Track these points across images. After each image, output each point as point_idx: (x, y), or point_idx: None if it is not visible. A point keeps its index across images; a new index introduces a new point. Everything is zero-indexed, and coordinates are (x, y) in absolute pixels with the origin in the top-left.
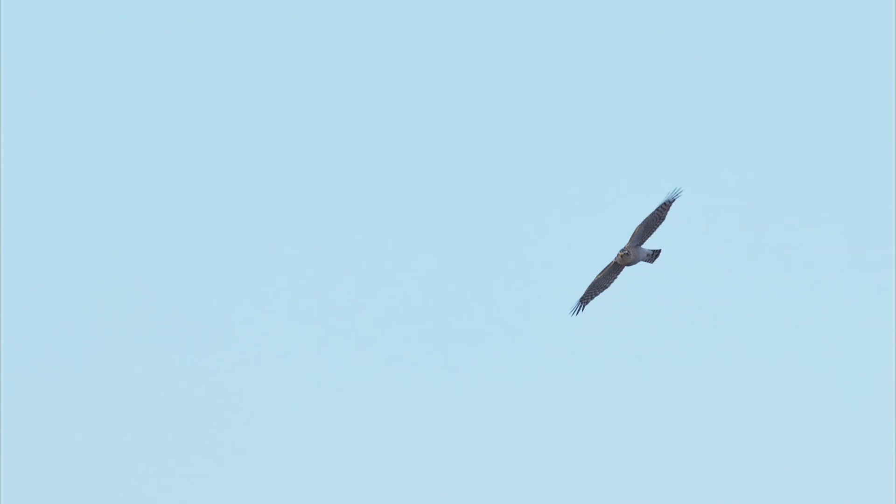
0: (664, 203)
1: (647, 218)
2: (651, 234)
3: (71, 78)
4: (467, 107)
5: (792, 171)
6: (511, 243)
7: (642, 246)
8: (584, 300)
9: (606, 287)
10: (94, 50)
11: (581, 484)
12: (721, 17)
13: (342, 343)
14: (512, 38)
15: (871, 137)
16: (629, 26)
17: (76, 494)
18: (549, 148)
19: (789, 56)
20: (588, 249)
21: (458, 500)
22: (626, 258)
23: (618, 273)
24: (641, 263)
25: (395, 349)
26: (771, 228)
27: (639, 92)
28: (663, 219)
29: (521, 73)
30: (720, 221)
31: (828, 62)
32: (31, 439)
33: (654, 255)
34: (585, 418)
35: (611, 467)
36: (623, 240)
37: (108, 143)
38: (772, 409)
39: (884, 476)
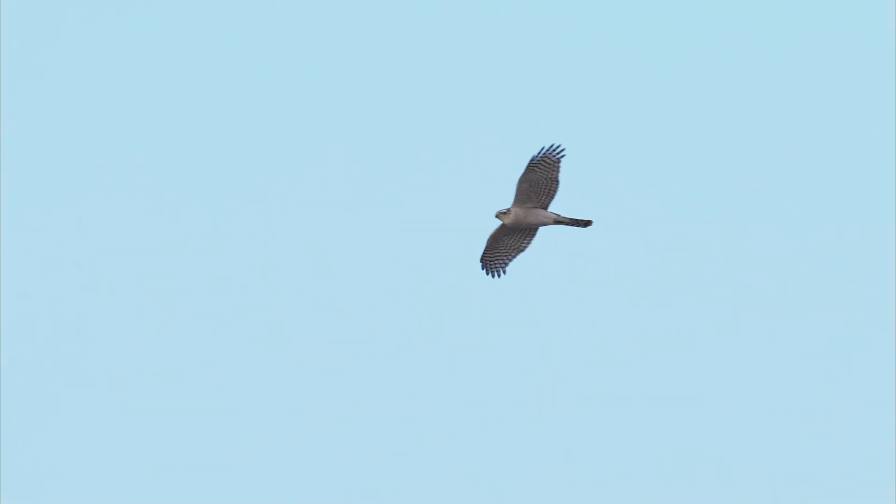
0: (538, 160)
1: (524, 176)
2: (550, 195)
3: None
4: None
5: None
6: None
7: (545, 209)
8: (484, 260)
9: (522, 249)
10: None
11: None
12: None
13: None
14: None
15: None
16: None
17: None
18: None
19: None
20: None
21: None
22: (504, 217)
23: (526, 234)
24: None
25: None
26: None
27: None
28: (555, 179)
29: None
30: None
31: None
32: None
33: (579, 223)
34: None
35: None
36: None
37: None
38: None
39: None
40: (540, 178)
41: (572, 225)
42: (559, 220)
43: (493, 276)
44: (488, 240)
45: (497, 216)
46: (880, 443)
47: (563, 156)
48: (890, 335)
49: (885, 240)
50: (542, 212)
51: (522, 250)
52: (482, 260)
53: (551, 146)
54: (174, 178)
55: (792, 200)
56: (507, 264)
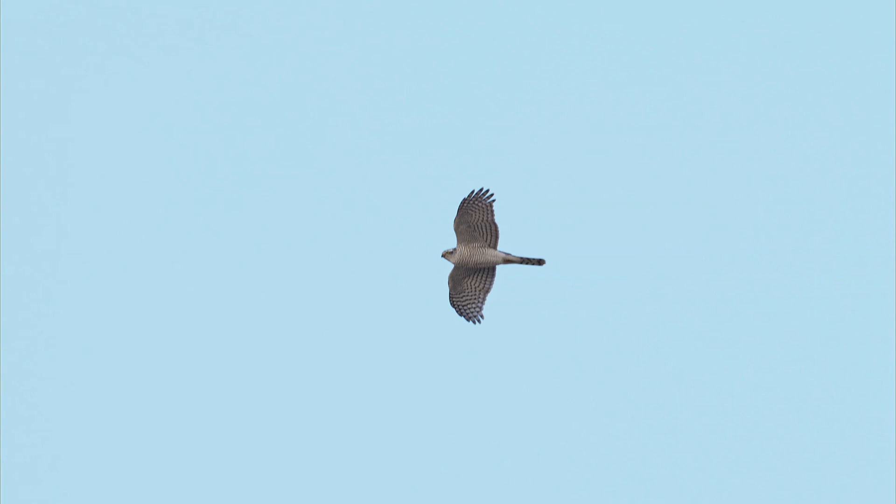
0: (469, 202)
1: (459, 218)
2: (494, 235)
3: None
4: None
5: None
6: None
7: (493, 248)
8: (455, 304)
9: (488, 289)
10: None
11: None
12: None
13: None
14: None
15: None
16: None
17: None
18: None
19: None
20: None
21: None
22: (450, 257)
23: (486, 274)
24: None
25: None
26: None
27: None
28: (492, 222)
29: None
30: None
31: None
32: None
33: (531, 262)
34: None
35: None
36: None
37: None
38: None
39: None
40: (476, 220)
41: (525, 264)
42: (509, 260)
43: (473, 323)
44: (448, 280)
45: (443, 256)
46: (880, 443)
47: (492, 200)
48: (890, 335)
49: (885, 239)
50: (489, 251)
51: (489, 291)
52: (452, 303)
53: (480, 190)
54: (168, 177)
55: (790, 200)
56: (481, 308)
